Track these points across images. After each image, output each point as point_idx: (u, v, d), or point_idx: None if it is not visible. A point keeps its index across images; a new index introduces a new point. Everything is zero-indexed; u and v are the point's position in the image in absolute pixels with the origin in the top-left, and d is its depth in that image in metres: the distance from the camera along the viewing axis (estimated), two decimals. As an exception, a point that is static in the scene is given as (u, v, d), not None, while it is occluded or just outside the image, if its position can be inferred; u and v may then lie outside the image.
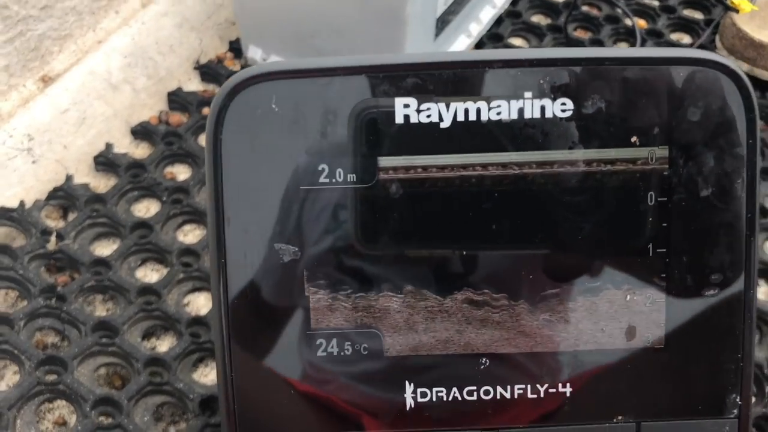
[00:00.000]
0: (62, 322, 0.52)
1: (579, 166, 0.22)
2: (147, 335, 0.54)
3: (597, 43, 0.75)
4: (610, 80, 0.22)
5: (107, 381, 0.52)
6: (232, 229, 0.22)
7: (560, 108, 0.22)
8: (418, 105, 0.22)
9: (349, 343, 0.23)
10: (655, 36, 0.76)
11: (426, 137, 0.22)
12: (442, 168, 0.22)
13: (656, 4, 0.80)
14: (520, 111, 0.22)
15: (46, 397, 0.49)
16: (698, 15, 0.79)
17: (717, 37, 0.74)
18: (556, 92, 0.22)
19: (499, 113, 0.22)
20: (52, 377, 0.49)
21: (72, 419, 0.49)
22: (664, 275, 0.23)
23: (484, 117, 0.22)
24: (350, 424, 0.22)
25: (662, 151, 0.22)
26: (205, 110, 0.68)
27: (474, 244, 0.22)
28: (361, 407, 0.22)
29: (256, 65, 0.22)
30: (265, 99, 0.22)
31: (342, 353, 0.23)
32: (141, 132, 0.66)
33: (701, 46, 0.74)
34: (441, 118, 0.22)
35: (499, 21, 0.76)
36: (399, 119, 0.22)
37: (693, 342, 0.23)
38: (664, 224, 0.23)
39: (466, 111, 0.22)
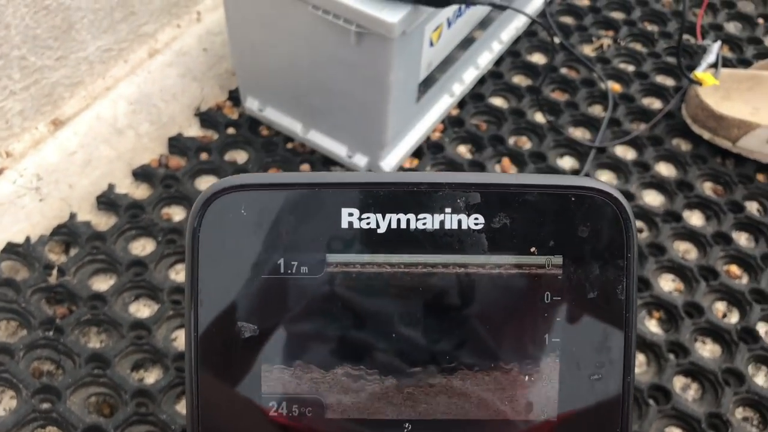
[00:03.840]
0: (58, 353, 0.57)
1: (488, 268, 0.27)
2: (136, 367, 0.59)
3: (571, 105, 0.81)
4: (514, 201, 0.27)
5: (97, 409, 0.57)
6: (204, 309, 0.27)
7: (474, 222, 0.27)
8: (360, 214, 0.27)
9: (296, 405, 0.28)
10: (627, 100, 0.82)
11: (366, 240, 0.27)
12: (378, 264, 0.27)
13: (631, 69, 0.85)
14: (441, 223, 0.27)
15: (40, 424, 0.53)
16: (669, 82, 0.84)
17: (683, 105, 0.79)
18: (470, 209, 0.27)
19: (424, 224, 0.27)
20: (46, 405, 0.54)
21: (63, 444, 0.54)
22: (557, 361, 0.28)
23: (412, 226, 0.27)
24: None
25: (557, 259, 0.27)
26: (203, 155, 0.73)
27: (403, 328, 0.27)
28: None
29: (230, 177, 0.27)
30: (236, 205, 0.27)
31: (290, 414, 0.28)
32: (141, 174, 0.71)
33: (668, 113, 0.80)
34: (378, 225, 0.27)
35: (482, 81, 0.82)
36: (344, 225, 0.27)
37: (581, 417, 0.28)
38: (558, 319, 0.27)
39: (398, 221, 0.27)
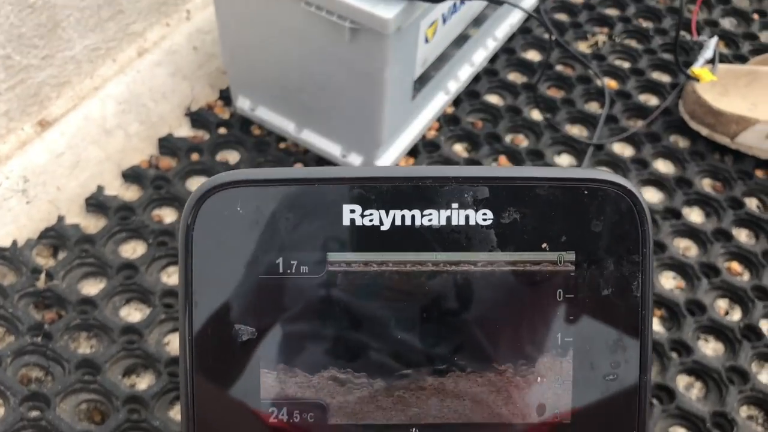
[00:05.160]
0: (47, 359, 0.55)
1: (497, 265, 0.26)
2: (127, 373, 0.57)
3: (568, 102, 0.80)
4: (524, 195, 0.26)
5: (87, 416, 0.55)
6: (199, 311, 0.26)
7: (482, 217, 0.26)
8: (362, 211, 0.26)
9: (297, 411, 0.26)
10: (624, 97, 0.81)
11: (369, 237, 0.26)
12: (381, 263, 0.26)
13: (626, 66, 0.85)
14: (448, 219, 0.26)
15: (29, 432, 0.52)
16: (665, 78, 0.83)
17: (680, 101, 0.78)
18: (478, 204, 0.26)
19: (430, 220, 0.26)
20: (35, 413, 0.52)
21: (52, 453, 0.52)
22: (570, 361, 0.26)
23: (417, 223, 0.26)
24: None
25: (569, 255, 0.26)
26: (194, 155, 0.72)
27: (408, 329, 0.26)
28: None
29: (225, 173, 0.25)
30: (231, 202, 0.26)
31: (291, 420, 0.26)
32: (131, 175, 0.70)
33: (666, 110, 0.79)
34: (382, 222, 0.26)
35: (477, 78, 0.81)
36: (346, 222, 0.26)
37: (595, 419, 0.27)
38: (571, 317, 0.26)
39: (403, 217, 0.26)
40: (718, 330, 0.62)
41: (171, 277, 0.64)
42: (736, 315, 0.64)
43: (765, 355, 0.61)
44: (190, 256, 0.25)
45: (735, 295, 0.65)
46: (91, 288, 0.62)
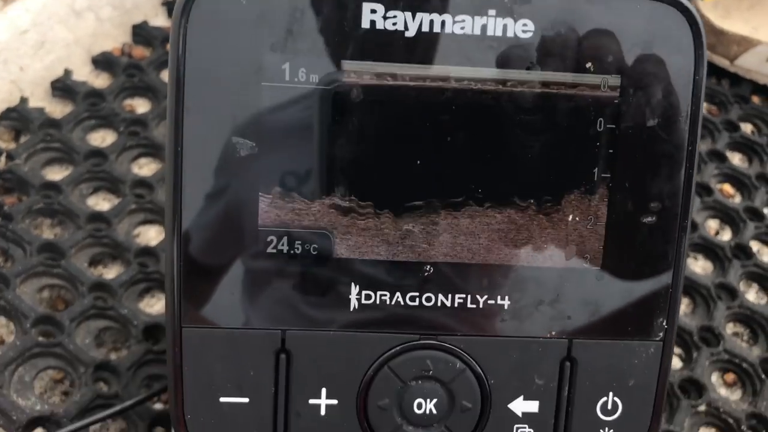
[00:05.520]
0: (6, 241, 0.51)
1: (534, 86, 0.23)
2: (94, 262, 0.54)
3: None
4: (571, 7, 0.23)
5: (50, 305, 0.52)
6: (191, 118, 0.22)
7: (522, 28, 0.23)
8: (385, 11, 0.22)
9: (299, 242, 0.23)
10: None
11: (390, 44, 0.23)
12: (400, 77, 0.23)
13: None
14: (483, 28, 0.23)
15: (-15, 313, 0.48)
16: None
17: (680, 23, 0.75)
18: (519, 13, 0.23)
19: (462, 28, 0.23)
20: (-8, 293, 0.49)
21: (10, 338, 0.49)
22: (606, 199, 0.24)
23: (448, 30, 0.23)
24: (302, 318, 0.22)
25: (614, 80, 0.23)
26: (170, 46, 0.67)
27: (428, 154, 0.23)
28: (309, 305, 0.23)
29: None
30: (234, -9, 0.22)
31: (291, 251, 0.23)
32: (102, 62, 0.65)
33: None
34: (406, 27, 0.23)
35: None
36: (365, 24, 0.22)
37: (628, 265, 0.24)
38: (611, 150, 0.24)
39: (431, 22, 0.23)
40: (707, 248, 0.62)
41: (143, 168, 0.60)
42: (726, 235, 0.63)
43: (754, 275, 0.61)
44: (182, 56, 0.21)
45: (726, 215, 0.64)
46: (56, 174, 0.58)
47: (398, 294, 0.23)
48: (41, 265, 0.50)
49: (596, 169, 0.23)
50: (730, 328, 0.58)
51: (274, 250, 0.23)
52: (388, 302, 0.23)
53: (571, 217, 0.23)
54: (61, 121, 0.60)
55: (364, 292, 0.23)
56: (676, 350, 0.56)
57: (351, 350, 0.23)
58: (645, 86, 0.23)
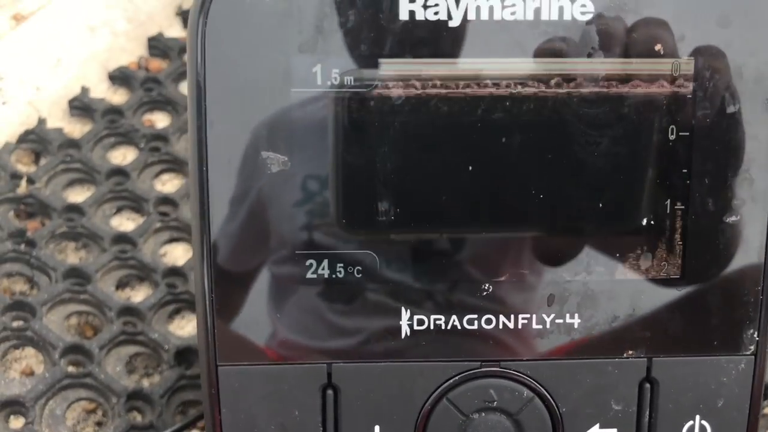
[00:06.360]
0: (31, 268, 0.50)
1: (595, 78, 0.20)
2: (121, 285, 0.52)
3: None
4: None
5: (78, 332, 0.50)
6: (215, 133, 0.20)
7: (580, 10, 0.20)
8: (426, 0, 0.20)
9: (341, 265, 0.21)
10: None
11: (433, 37, 0.20)
12: (447, 78, 0.20)
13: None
14: (537, 11, 0.20)
15: (13, 344, 0.47)
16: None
17: None
18: None
19: (513, 12, 0.20)
20: (18, 323, 0.47)
21: (40, 368, 0.47)
22: (684, 200, 0.21)
23: (497, 16, 0.20)
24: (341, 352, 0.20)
25: (688, 64, 0.21)
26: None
27: (485, 166, 0.20)
28: (355, 332, 0.20)
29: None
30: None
31: (333, 276, 0.21)
32: (119, 77, 0.64)
33: None
34: (450, 16, 0.20)
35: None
36: (403, 15, 0.20)
37: (711, 272, 0.21)
38: (686, 144, 0.21)
39: (478, 9, 0.20)
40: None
41: (165, 185, 0.59)
42: None
43: None
44: (202, 65, 0.19)
45: None
46: (78, 195, 0.56)
47: (454, 317, 0.21)
48: (67, 292, 0.49)
49: (672, 164, 0.21)
50: None
51: (314, 276, 0.21)
52: (443, 327, 0.21)
53: (644, 223, 0.21)
54: (80, 141, 0.59)
55: (416, 317, 0.21)
56: None
57: (405, 382, 0.21)
58: (722, 70, 0.20)
